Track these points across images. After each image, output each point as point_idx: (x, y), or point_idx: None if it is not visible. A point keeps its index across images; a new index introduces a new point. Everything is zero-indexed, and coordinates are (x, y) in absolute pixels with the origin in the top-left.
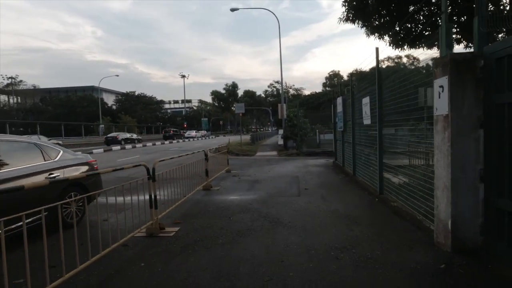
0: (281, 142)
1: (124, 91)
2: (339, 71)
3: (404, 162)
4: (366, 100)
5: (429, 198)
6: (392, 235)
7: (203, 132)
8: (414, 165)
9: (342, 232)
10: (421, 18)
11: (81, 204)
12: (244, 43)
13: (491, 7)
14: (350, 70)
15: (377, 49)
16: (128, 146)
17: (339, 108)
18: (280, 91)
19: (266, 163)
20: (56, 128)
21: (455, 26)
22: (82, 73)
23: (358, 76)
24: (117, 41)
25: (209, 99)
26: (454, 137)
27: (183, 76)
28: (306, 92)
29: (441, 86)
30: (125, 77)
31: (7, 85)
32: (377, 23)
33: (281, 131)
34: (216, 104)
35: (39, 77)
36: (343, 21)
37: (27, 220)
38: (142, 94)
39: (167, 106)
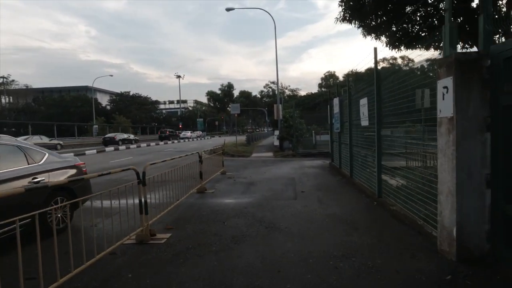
0: (277, 143)
1: (119, 91)
2: (334, 72)
3: (403, 164)
4: (364, 101)
5: (430, 203)
6: (392, 241)
7: (199, 133)
8: (414, 168)
9: (340, 238)
10: (418, 19)
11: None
12: (240, 43)
13: None
14: (346, 71)
15: (375, 49)
16: (122, 147)
17: (336, 109)
18: (276, 92)
19: (262, 165)
20: (49, 128)
21: None
22: (76, 73)
23: (354, 77)
24: (112, 40)
25: (204, 100)
26: (459, 140)
27: (179, 77)
28: (302, 93)
29: (445, 87)
30: (120, 77)
31: None
32: (373, 23)
33: (277, 132)
34: (212, 105)
35: (32, 76)
36: (340, 21)
37: (7, 228)
38: (137, 94)
39: (162, 106)
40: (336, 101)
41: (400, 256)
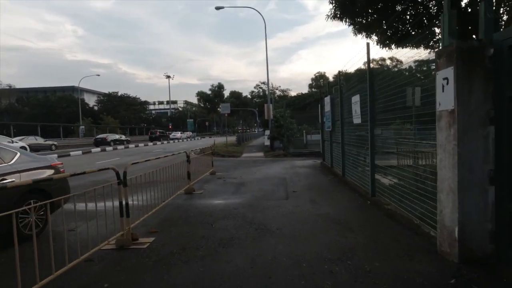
0: (267, 143)
1: (107, 92)
2: (325, 72)
3: (398, 162)
4: (356, 98)
5: (427, 201)
6: (389, 242)
7: (189, 133)
8: (410, 166)
9: (334, 240)
10: (408, 17)
11: (42, 213)
12: (231, 44)
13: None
14: (336, 72)
15: (368, 44)
16: (109, 148)
17: (327, 108)
18: (267, 92)
19: (252, 165)
20: (33, 129)
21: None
22: (62, 73)
23: (345, 76)
24: (99, 40)
25: (195, 100)
26: (460, 134)
27: (168, 77)
28: (293, 94)
29: (445, 78)
30: (108, 77)
31: None
32: (364, 21)
33: (267, 132)
34: (202, 105)
35: (15, 76)
36: (331, 19)
37: None
38: (125, 95)
39: (151, 107)
40: (327, 99)
41: (398, 258)
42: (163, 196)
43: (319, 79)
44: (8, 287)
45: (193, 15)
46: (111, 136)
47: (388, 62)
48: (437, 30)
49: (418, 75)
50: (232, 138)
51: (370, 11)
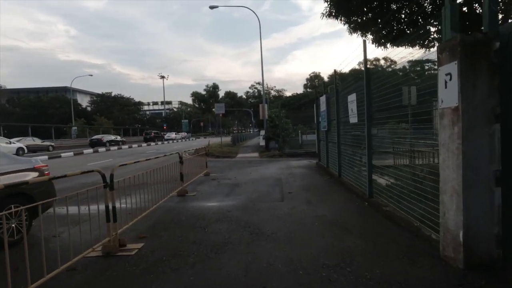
0: (262, 143)
1: (101, 92)
2: (319, 72)
3: (396, 162)
4: (352, 97)
5: (427, 202)
6: (389, 246)
7: (183, 134)
8: (408, 165)
9: (332, 244)
10: (403, 16)
11: (25, 218)
12: (226, 44)
13: None
14: (331, 72)
15: (364, 41)
16: (102, 149)
17: (323, 107)
18: (262, 92)
19: (247, 165)
20: (24, 130)
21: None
22: (55, 74)
23: (340, 76)
24: (93, 40)
25: (189, 101)
26: (465, 132)
27: (163, 77)
28: (288, 94)
29: (448, 74)
30: (102, 77)
31: None
32: (359, 20)
33: (262, 132)
34: (197, 106)
35: (7, 76)
36: (326, 17)
37: None
38: (119, 95)
39: (146, 107)
40: (322, 99)
41: (400, 263)
42: (154, 198)
43: (314, 79)
44: None
45: (188, 15)
46: (107, 137)
47: (382, 62)
48: (432, 29)
49: (411, 76)
50: (227, 139)
51: (365, 9)
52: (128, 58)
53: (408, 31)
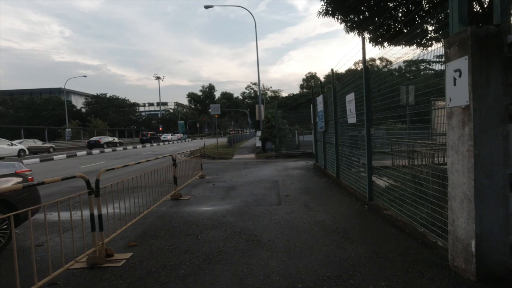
0: (259, 144)
1: (95, 94)
2: (316, 73)
3: (398, 163)
4: (350, 97)
5: (434, 207)
6: (393, 255)
7: (179, 135)
8: (411, 167)
9: (333, 253)
10: (400, 15)
11: (5, 226)
12: (222, 45)
13: None
14: (327, 72)
15: (363, 39)
16: (96, 151)
17: (320, 107)
18: (258, 92)
19: (243, 167)
20: (17, 132)
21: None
22: (49, 75)
23: (336, 76)
24: (87, 41)
25: (185, 102)
26: (477, 134)
27: (158, 78)
28: (284, 94)
29: (457, 70)
30: (97, 79)
31: None
32: (356, 19)
33: (259, 133)
34: (193, 107)
35: None
36: (322, 15)
37: None
38: (114, 97)
39: (142, 109)
40: (319, 99)
41: (406, 275)
42: (147, 203)
43: (310, 79)
44: None
45: (183, 16)
46: (105, 139)
47: (378, 62)
48: (430, 28)
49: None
50: (223, 140)
51: (362, 8)
52: (124, 59)
53: (405, 30)
